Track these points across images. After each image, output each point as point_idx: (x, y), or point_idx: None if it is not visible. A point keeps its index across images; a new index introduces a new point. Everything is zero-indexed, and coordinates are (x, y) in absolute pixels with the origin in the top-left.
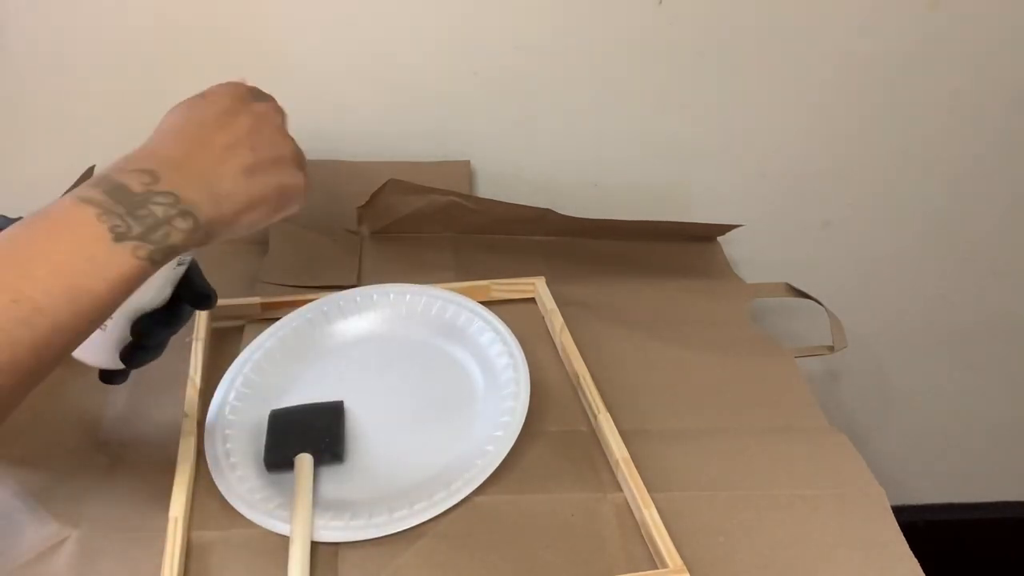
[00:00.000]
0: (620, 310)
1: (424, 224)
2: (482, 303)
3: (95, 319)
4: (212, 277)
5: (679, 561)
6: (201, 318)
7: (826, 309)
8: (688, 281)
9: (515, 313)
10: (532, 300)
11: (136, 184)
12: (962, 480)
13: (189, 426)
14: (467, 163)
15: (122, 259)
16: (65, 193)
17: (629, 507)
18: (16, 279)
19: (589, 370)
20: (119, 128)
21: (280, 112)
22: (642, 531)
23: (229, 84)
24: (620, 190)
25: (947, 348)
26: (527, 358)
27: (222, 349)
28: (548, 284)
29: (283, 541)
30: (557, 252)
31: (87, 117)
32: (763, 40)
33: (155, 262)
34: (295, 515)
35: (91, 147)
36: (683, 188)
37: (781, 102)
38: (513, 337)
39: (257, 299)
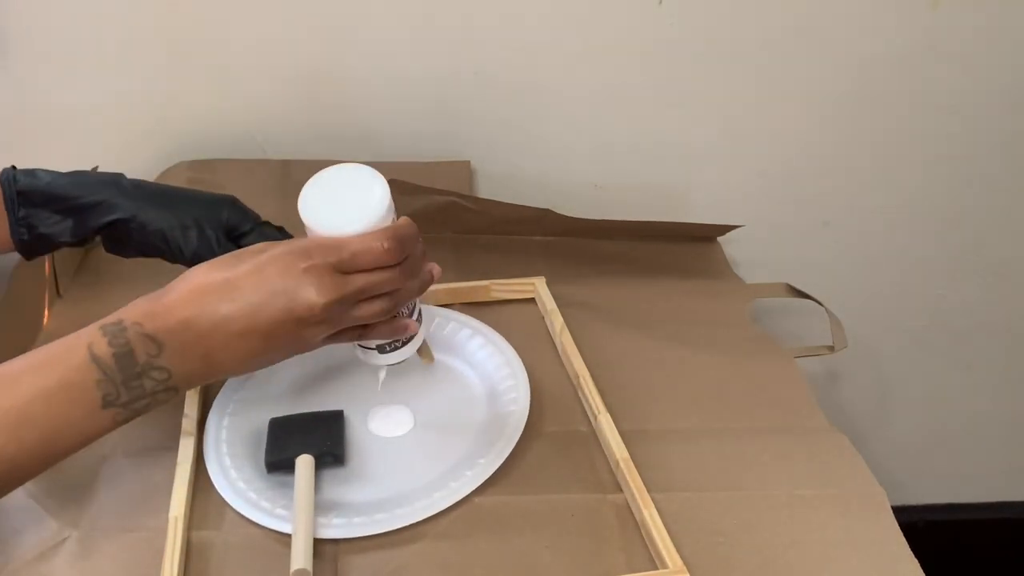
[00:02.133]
0: (620, 310)
1: (424, 224)
2: (482, 303)
3: (51, 464)
4: None
5: (679, 561)
6: None
7: (826, 309)
8: (688, 281)
9: (515, 313)
10: (532, 300)
11: (142, 353)
12: (962, 480)
13: (189, 426)
14: (467, 163)
15: (101, 422)
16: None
17: (629, 507)
18: (11, 434)
19: (589, 370)
20: (118, 128)
21: (323, 311)
22: (642, 531)
23: (282, 260)
24: (620, 190)
25: (947, 348)
26: (527, 358)
27: None
28: (548, 284)
29: (283, 541)
30: (557, 252)
31: (88, 115)
32: (763, 40)
33: (122, 423)
34: (297, 510)
35: (92, 146)
36: (683, 188)
37: (781, 102)
38: (512, 350)
39: None
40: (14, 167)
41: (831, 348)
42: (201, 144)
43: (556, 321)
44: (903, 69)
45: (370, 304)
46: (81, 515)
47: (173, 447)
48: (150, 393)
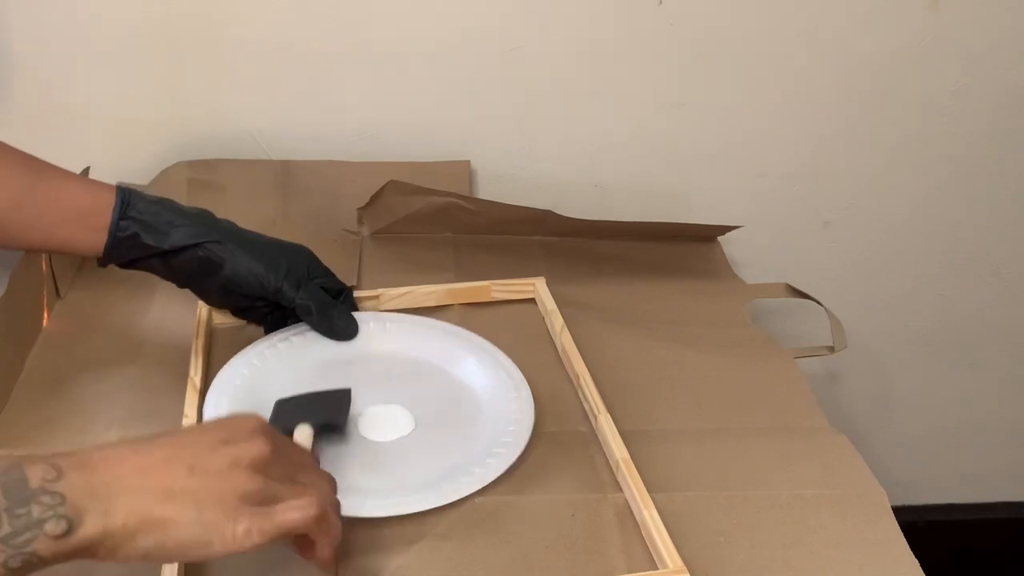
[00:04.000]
0: (620, 310)
1: (424, 225)
2: (482, 304)
3: None
4: None
5: (679, 561)
6: (201, 319)
7: (826, 309)
8: (688, 282)
9: (515, 313)
10: (532, 300)
11: (36, 478)
12: (962, 480)
13: (188, 425)
14: (467, 163)
15: None
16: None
17: (629, 507)
18: None
19: (589, 370)
20: (118, 127)
21: (267, 445)
22: (642, 531)
23: (242, 418)
24: (620, 190)
25: (947, 348)
26: (527, 358)
27: (222, 350)
28: (548, 285)
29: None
30: (557, 253)
31: (88, 115)
32: (763, 40)
33: (10, 569)
34: None
35: (92, 145)
36: (683, 188)
37: (781, 102)
38: (514, 366)
39: None
40: (128, 185)
41: (831, 348)
42: (201, 144)
43: (556, 321)
44: (903, 69)
45: (311, 477)
46: None
47: None
48: (37, 522)
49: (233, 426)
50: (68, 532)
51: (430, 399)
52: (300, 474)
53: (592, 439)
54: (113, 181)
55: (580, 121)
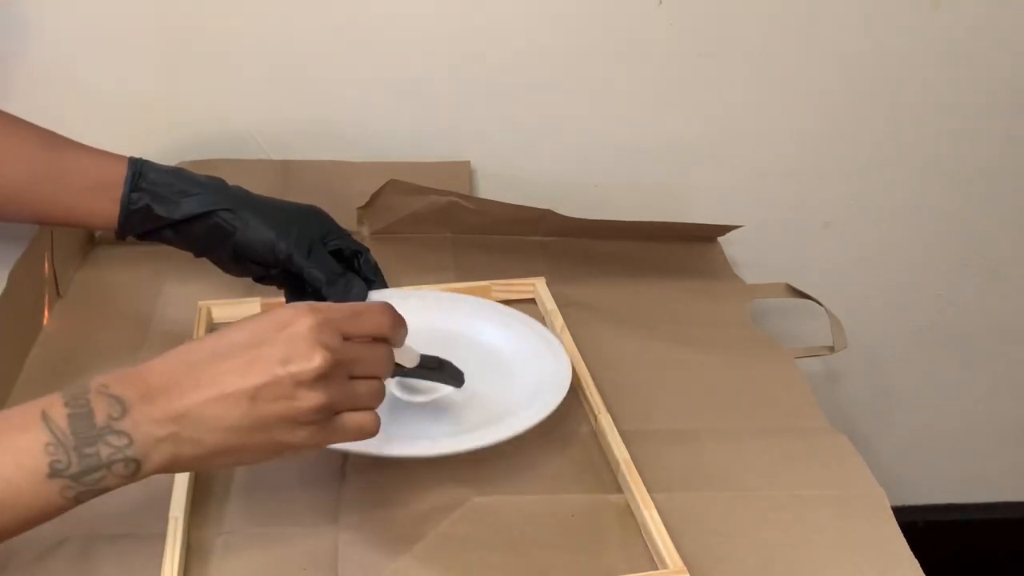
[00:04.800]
0: (620, 310)
1: (424, 224)
2: None
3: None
4: (212, 276)
5: (679, 562)
6: (201, 320)
7: (826, 310)
8: (688, 282)
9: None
10: (532, 301)
11: (101, 414)
12: (962, 480)
13: None
14: (467, 163)
15: (46, 496)
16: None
17: (629, 508)
18: None
19: (589, 371)
20: (118, 127)
21: (322, 358)
22: (642, 532)
23: (279, 316)
24: (620, 190)
25: (947, 348)
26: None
27: None
28: (548, 285)
29: (283, 541)
30: (557, 252)
31: (88, 115)
32: (763, 40)
33: (78, 502)
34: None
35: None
36: (683, 188)
37: (781, 102)
38: (545, 329)
39: (257, 299)
40: (142, 159)
41: (831, 348)
42: (201, 144)
43: (556, 321)
44: (903, 69)
45: (369, 382)
46: (81, 515)
47: None
48: (106, 463)
49: (290, 340)
50: (136, 472)
51: (466, 363)
52: (358, 366)
53: (592, 439)
54: None
55: (580, 121)
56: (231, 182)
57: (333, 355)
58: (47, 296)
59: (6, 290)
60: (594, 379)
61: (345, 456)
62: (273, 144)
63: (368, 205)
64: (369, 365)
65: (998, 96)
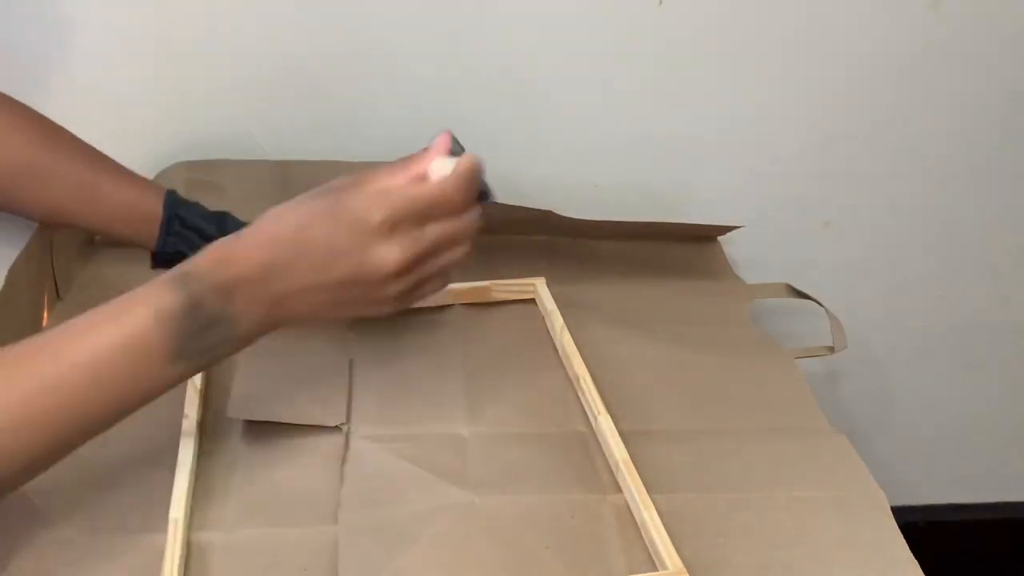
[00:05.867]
0: (620, 311)
1: None
2: (483, 304)
3: (122, 418)
4: None
5: (679, 563)
6: None
7: (826, 310)
8: (688, 282)
9: (515, 313)
10: (532, 301)
11: (211, 304)
12: (962, 480)
13: (189, 427)
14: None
15: (169, 376)
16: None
17: (629, 508)
18: (83, 395)
19: (589, 371)
20: (117, 127)
21: (401, 255)
22: (642, 532)
23: (357, 211)
24: (620, 190)
25: (947, 348)
26: (528, 358)
27: None
28: (548, 285)
29: (283, 542)
30: (557, 253)
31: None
32: (763, 40)
33: (193, 374)
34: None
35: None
36: (683, 188)
37: (781, 102)
38: None
39: None
40: (175, 193)
41: (831, 349)
42: (201, 144)
43: (556, 322)
44: (903, 69)
45: (450, 252)
46: (81, 516)
47: (174, 448)
48: (215, 345)
49: (368, 230)
50: (237, 348)
51: None
52: (436, 248)
53: (592, 440)
54: None
55: (580, 121)
56: (231, 182)
57: (407, 251)
58: (46, 296)
59: (4, 290)
60: (594, 379)
61: (345, 456)
62: (273, 144)
63: None
64: (446, 244)
65: (997, 96)
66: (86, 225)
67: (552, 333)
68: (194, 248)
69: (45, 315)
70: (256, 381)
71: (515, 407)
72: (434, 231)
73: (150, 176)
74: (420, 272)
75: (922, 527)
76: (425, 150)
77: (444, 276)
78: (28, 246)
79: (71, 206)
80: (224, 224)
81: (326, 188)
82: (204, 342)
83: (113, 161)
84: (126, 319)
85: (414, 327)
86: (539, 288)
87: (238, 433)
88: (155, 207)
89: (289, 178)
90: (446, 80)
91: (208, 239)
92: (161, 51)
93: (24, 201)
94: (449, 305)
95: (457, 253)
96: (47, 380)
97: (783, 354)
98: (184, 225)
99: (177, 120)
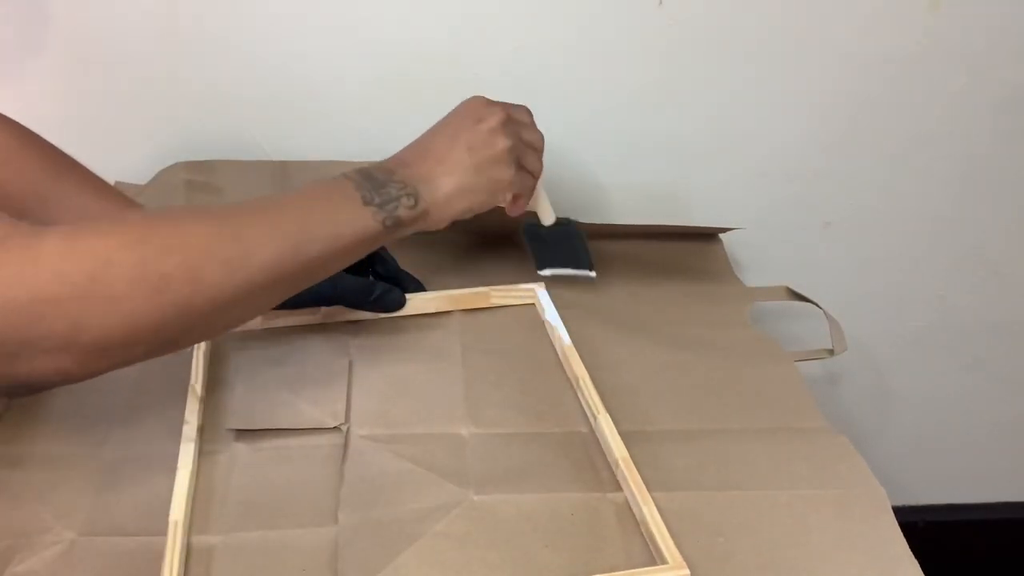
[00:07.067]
0: (620, 312)
1: None
2: (482, 309)
3: (341, 257)
4: None
5: (679, 558)
6: None
7: (826, 313)
8: (688, 284)
9: (515, 313)
10: (532, 306)
11: (379, 174)
12: (962, 480)
13: (189, 432)
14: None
15: (365, 218)
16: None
17: (629, 506)
18: (304, 217)
19: (589, 372)
20: (117, 127)
21: (502, 114)
22: (641, 529)
23: (466, 102)
24: (620, 190)
25: (947, 349)
26: (528, 359)
27: (222, 356)
28: (548, 286)
29: (283, 543)
30: None
31: (87, 115)
32: (763, 40)
33: (387, 227)
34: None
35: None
36: (683, 188)
37: (781, 102)
38: None
39: None
40: None
41: (831, 351)
42: (200, 144)
43: (556, 325)
44: (903, 69)
45: (534, 132)
46: (81, 517)
47: (174, 450)
48: (396, 197)
49: (475, 107)
50: (415, 204)
51: None
52: (524, 132)
53: (592, 440)
54: (111, 181)
55: (580, 121)
56: (230, 182)
57: (504, 110)
58: None
59: None
60: (593, 380)
61: (345, 457)
62: (273, 144)
63: None
64: (530, 124)
65: (998, 96)
66: None
67: (551, 335)
68: None
69: None
70: (256, 389)
71: (515, 407)
72: (515, 110)
73: (149, 177)
74: (519, 134)
75: (922, 527)
76: None
77: (537, 153)
78: None
79: None
80: None
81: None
82: (385, 195)
83: (117, 190)
84: (317, 187)
85: (413, 329)
86: (538, 294)
87: (237, 434)
88: None
89: (288, 178)
90: (446, 80)
91: None
92: (161, 51)
93: None
94: (449, 312)
95: (537, 136)
96: (268, 214)
97: (782, 356)
98: None
99: (177, 120)
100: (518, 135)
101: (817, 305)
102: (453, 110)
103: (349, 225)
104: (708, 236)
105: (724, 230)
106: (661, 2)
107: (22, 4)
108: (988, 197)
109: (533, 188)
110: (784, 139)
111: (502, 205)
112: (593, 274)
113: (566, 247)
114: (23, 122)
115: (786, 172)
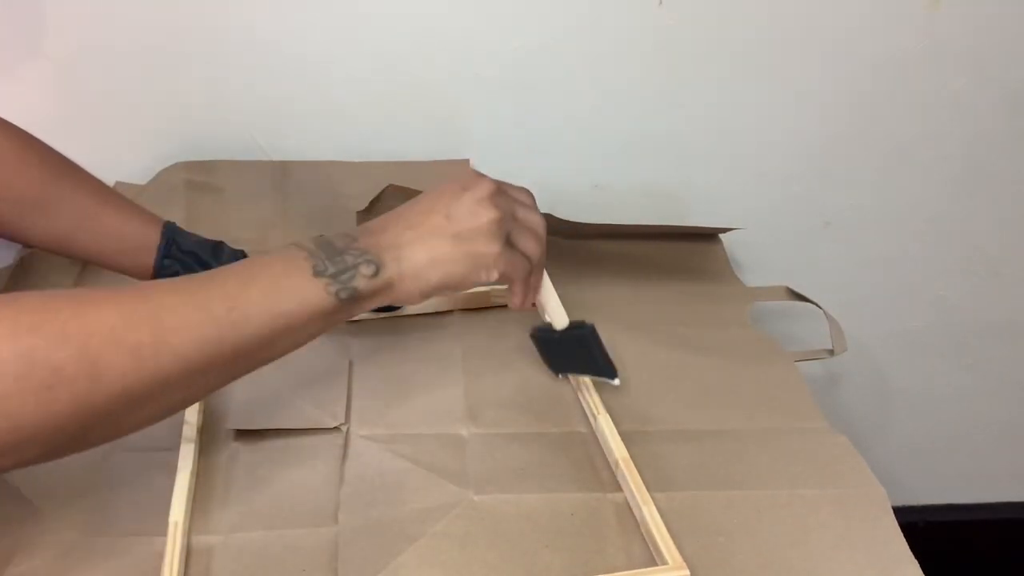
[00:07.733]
0: (620, 312)
1: None
2: (482, 309)
3: (286, 338)
4: None
5: (679, 558)
6: None
7: (826, 313)
8: (688, 284)
9: (515, 314)
10: (532, 305)
11: (339, 242)
12: (962, 480)
13: (190, 433)
14: (467, 162)
15: (315, 290)
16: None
17: (629, 506)
18: (236, 293)
19: None
20: (117, 127)
21: (492, 185)
22: (642, 529)
23: (456, 176)
24: (620, 191)
25: (947, 349)
26: (528, 361)
27: None
28: None
29: (283, 545)
30: (558, 254)
31: (86, 115)
32: (763, 40)
33: (341, 300)
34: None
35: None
36: (683, 188)
37: (781, 102)
38: None
39: None
40: (174, 223)
41: (831, 352)
42: (200, 144)
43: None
44: (903, 69)
45: (531, 213)
46: (81, 518)
47: (174, 451)
48: (353, 266)
49: (463, 178)
50: (376, 273)
51: None
52: (519, 210)
53: (592, 440)
54: (111, 181)
55: (580, 121)
56: (231, 182)
57: (493, 184)
58: None
59: (3, 290)
60: (593, 381)
61: (345, 457)
62: (273, 144)
63: (367, 210)
64: (525, 201)
65: (998, 96)
66: (86, 256)
67: None
68: (190, 271)
69: None
70: (256, 389)
71: (515, 407)
72: (511, 189)
73: (149, 177)
74: (511, 210)
75: (922, 527)
76: None
77: (535, 236)
78: (14, 265)
79: (74, 236)
80: (220, 252)
81: None
82: (341, 261)
83: (116, 193)
84: (267, 258)
85: (413, 330)
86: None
87: (237, 434)
88: (154, 238)
89: (288, 178)
90: (446, 80)
91: (204, 265)
92: (161, 51)
93: (28, 231)
94: (449, 311)
95: (535, 218)
96: (194, 294)
97: (782, 356)
98: (181, 250)
99: (177, 120)
100: (510, 210)
101: (817, 305)
102: (437, 188)
103: (293, 300)
104: (708, 236)
105: (724, 230)
106: (661, 2)
107: (21, 4)
108: (988, 197)
109: (528, 273)
110: (784, 139)
111: (485, 284)
112: (616, 382)
113: (580, 353)
114: (23, 123)
115: (786, 172)
